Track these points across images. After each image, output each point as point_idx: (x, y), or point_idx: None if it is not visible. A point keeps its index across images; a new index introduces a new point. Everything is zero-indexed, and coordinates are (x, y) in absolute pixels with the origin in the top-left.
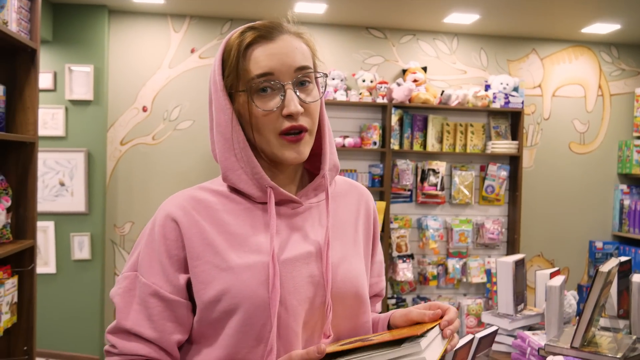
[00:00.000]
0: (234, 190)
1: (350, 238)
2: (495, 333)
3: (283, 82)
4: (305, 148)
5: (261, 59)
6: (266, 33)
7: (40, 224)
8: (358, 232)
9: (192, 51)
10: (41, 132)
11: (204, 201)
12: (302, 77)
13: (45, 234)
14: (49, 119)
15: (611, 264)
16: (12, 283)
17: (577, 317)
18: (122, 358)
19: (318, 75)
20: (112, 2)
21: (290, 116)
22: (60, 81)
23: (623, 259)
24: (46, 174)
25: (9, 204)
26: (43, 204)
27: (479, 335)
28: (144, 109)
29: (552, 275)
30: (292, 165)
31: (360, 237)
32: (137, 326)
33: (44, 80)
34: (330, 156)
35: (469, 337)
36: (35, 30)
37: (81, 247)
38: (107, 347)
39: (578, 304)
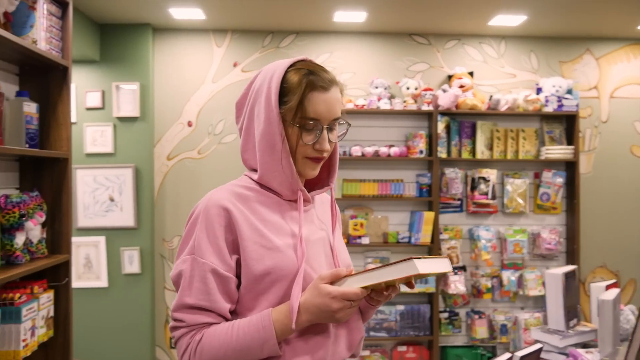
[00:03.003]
0: (263, 187)
1: (338, 231)
2: (539, 351)
3: (323, 125)
4: (319, 168)
5: (317, 104)
6: (325, 84)
7: (91, 238)
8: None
9: (235, 65)
10: (91, 149)
11: (242, 195)
12: (334, 124)
13: (96, 249)
14: (98, 136)
15: None
16: (47, 297)
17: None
18: (190, 328)
19: (342, 122)
20: (156, 20)
21: (320, 150)
22: (108, 99)
23: None
24: (97, 189)
25: (42, 219)
26: (94, 219)
27: (519, 353)
28: (189, 124)
29: (609, 287)
30: None
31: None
32: (199, 301)
33: (93, 98)
34: (335, 170)
35: (506, 356)
36: (67, 48)
37: (131, 261)
38: (173, 324)
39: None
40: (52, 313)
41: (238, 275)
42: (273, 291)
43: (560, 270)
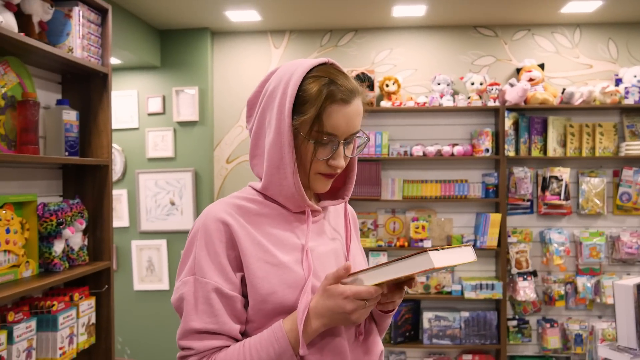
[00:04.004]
0: (268, 198)
1: (354, 239)
2: None
3: (339, 140)
4: (330, 183)
5: (337, 119)
6: (347, 97)
7: (153, 242)
8: (356, 236)
9: None
10: (152, 153)
11: (243, 207)
12: (352, 138)
13: (158, 252)
14: (159, 141)
15: None
16: (88, 304)
17: None
18: (200, 356)
19: (360, 136)
20: (214, 24)
21: (334, 166)
22: (169, 104)
23: None
24: (158, 193)
25: (83, 226)
26: (156, 222)
27: None
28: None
29: None
30: None
31: (356, 239)
32: (206, 324)
33: (154, 104)
34: (352, 185)
35: None
36: (106, 55)
37: None
38: (181, 353)
39: None
40: (93, 320)
41: (245, 295)
42: (283, 310)
43: (631, 280)
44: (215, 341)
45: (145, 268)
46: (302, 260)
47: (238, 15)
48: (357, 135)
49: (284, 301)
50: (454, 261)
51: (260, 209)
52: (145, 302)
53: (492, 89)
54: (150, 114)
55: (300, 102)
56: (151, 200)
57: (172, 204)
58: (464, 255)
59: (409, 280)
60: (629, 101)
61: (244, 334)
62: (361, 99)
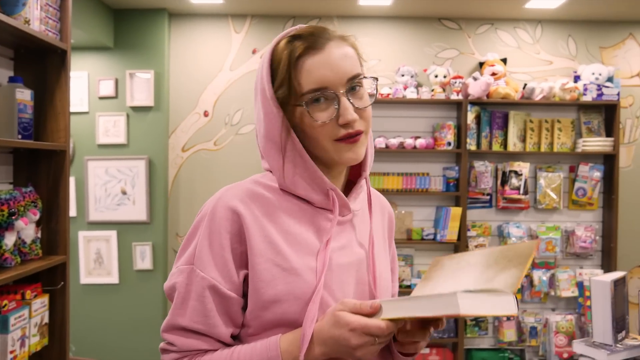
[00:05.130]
0: (285, 192)
1: (382, 246)
2: None
3: (337, 91)
4: (361, 149)
5: (313, 71)
6: (314, 42)
7: (102, 233)
8: (385, 239)
9: (254, 52)
10: (103, 140)
11: (261, 196)
12: (355, 85)
13: (108, 244)
14: (111, 127)
15: None
16: (41, 303)
17: None
18: (181, 354)
19: (368, 80)
20: (172, 4)
21: (347, 124)
22: (122, 88)
23: None
24: (108, 182)
25: (36, 217)
26: (105, 212)
27: None
28: (205, 114)
29: None
30: (343, 168)
31: (386, 243)
32: (194, 323)
33: (106, 87)
34: (371, 160)
35: None
36: (65, 29)
37: (143, 257)
38: (163, 345)
39: None
40: (46, 319)
41: (246, 295)
42: (284, 322)
43: (608, 277)
44: (201, 342)
45: (93, 260)
46: (317, 268)
47: None
48: (359, 79)
49: (286, 313)
50: (487, 310)
51: (281, 201)
52: (92, 296)
53: (455, 82)
54: (101, 98)
55: (274, 74)
56: (101, 189)
57: (124, 193)
58: (502, 304)
59: (435, 321)
60: (587, 98)
61: (237, 338)
62: (342, 42)
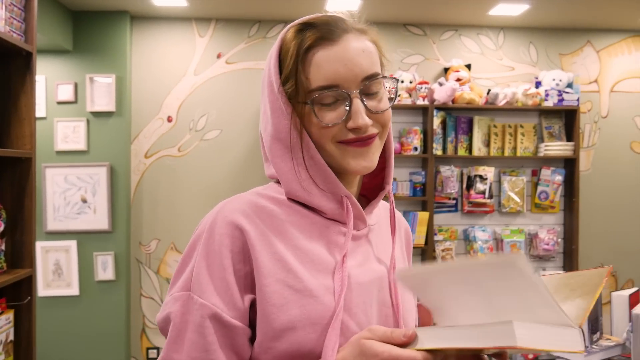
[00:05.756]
0: (296, 202)
1: (402, 262)
2: None
3: (349, 91)
4: (375, 155)
5: (324, 65)
6: (327, 33)
7: (61, 243)
8: (405, 259)
9: (219, 56)
10: (62, 146)
11: (266, 209)
12: (370, 86)
13: (67, 254)
14: (70, 133)
15: None
16: (6, 319)
17: None
18: None
19: (387, 82)
20: (134, 7)
21: (357, 129)
22: (81, 92)
23: None
24: (68, 190)
25: (1, 228)
26: (65, 222)
27: None
28: (169, 119)
29: (632, 297)
30: (354, 178)
31: (406, 262)
32: (192, 359)
33: (64, 92)
34: (392, 170)
35: None
36: (31, 31)
37: (105, 267)
38: None
39: None
40: (12, 337)
41: (253, 323)
42: (300, 353)
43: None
44: None
45: (52, 272)
46: (334, 287)
47: (162, 0)
48: (376, 79)
49: (303, 342)
50: (549, 345)
51: (289, 214)
52: (51, 309)
53: (421, 88)
54: (59, 103)
55: (282, 65)
56: (60, 198)
57: (84, 201)
58: (565, 338)
59: (499, 355)
60: (548, 103)
61: None
62: (362, 35)
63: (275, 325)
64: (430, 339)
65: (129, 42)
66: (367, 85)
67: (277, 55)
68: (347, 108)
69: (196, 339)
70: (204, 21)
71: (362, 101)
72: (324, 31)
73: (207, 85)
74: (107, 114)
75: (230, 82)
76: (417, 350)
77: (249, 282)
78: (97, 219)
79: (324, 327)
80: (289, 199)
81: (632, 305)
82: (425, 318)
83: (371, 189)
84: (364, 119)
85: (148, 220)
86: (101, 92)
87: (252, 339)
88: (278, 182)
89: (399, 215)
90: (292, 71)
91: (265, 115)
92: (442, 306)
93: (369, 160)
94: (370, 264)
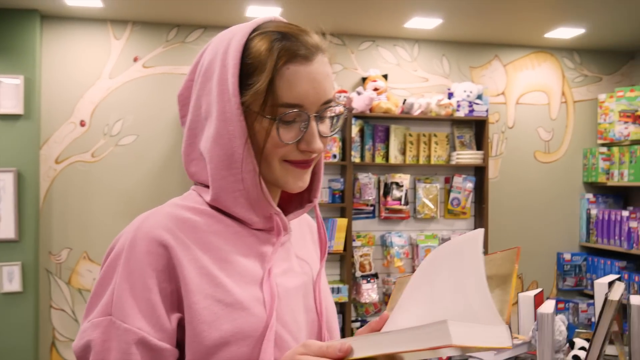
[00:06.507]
0: (219, 210)
1: (321, 270)
2: None
3: (309, 113)
4: (308, 176)
5: (296, 84)
6: (305, 50)
7: None
8: (318, 261)
9: (135, 60)
10: None
11: (188, 221)
12: (325, 110)
13: None
14: None
15: (619, 289)
16: None
17: (568, 345)
18: None
19: (339, 109)
20: (45, 6)
21: (308, 151)
22: None
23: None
24: None
25: None
26: None
27: None
28: (82, 124)
29: (537, 297)
30: (279, 190)
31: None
32: None
33: None
34: (320, 185)
35: None
36: None
37: (11, 278)
38: None
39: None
40: None
41: (180, 342)
42: None
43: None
44: None
45: None
46: (264, 298)
47: None
48: (331, 105)
49: (236, 357)
50: (481, 342)
51: (212, 225)
52: None
53: (340, 96)
54: None
55: (247, 71)
56: None
57: None
58: (495, 336)
59: None
60: (460, 114)
61: None
62: (327, 58)
63: (207, 342)
64: (364, 347)
65: (39, 42)
66: (323, 109)
67: (239, 58)
68: (304, 129)
69: None
70: (120, 23)
71: (317, 124)
72: (301, 47)
73: (123, 89)
74: (15, 117)
75: (147, 87)
76: None
77: (174, 301)
78: (3, 227)
79: (257, 340)
80: (211, 206)
81: (537, 305)
82: None
83: (286, 196)
84: (318, 144)
85: (59, 228)
86: (8, 93)
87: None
88: (197, 184)
89: (309, 218)
90: (263, 84)
91: (205, 114)
92: (392, 313)
93: (305, 181)
94: (294, 271)
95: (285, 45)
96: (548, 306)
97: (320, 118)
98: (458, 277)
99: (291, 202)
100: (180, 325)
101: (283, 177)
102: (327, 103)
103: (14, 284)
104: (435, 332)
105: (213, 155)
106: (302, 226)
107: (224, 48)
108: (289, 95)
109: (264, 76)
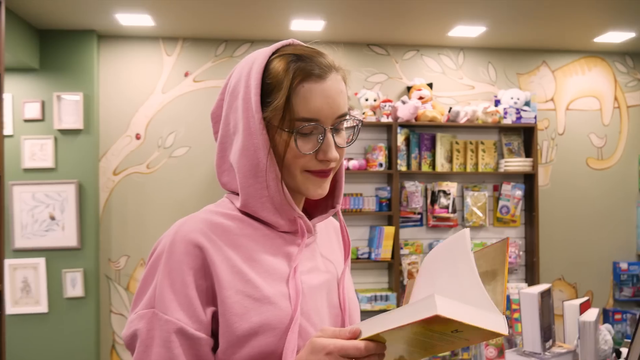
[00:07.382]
0: (249, 215)
1: (346, 270)
2: None
3: (325, 126)
4: (327, 184)
5: (311, 100)
6: (318, 70)
7: (30, 260)
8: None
9: (186, 75)
10: (29, 164)
11: (221, 225)
12: (340, 123)
13: (35, 271)
14: (38, 150)
15: None
16: None
17: (614, 355)
18: None
19: (353, 122)
20: (101, 26)
21: (325, 161)
22: (49, 110)
23: None
24: (35, 207)
25: None
26: (33, 239)
27: None
28: (137, 137)
29: (582, 306)
30: (303, 197)
31: (345, 265)
32: None
33: (31, 109)
34: (342, 191)
35: None
36: None
37: (74, 284)
38: None
39: (614, 338)
40: None
41: (215, 333)
42: (262, 357)
43: (536, 289)
44: None
45: (20, 289)
46: (290, 294)
47: (129, 19)
48: (346, 118)
49: (264, 346)
50: (474, 320)
51: (243, 229)
52: (19, 327)
53: (385, 106)
54: (26, 120)
55: (267, 90)
56: (27, 215)
57: (52, 218)
58: (490, 319)
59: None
60: (507, 121)
61: None
62: (340, 76)
63: (238, 332)
64: (369, 329)
65: (97, 60)
66: (339, 123)
67: (260, 79)
68: (320, 141)
69: (163, 352)
70: (171, 40)
71: (333, 136)
72: (315, 67)
73: (175, 103)
74: (75, 132)
75: (197, 100)
76: (360, 340)
77: (210, 296)
78: (66, 235)
79: (283, 331)
80: (242, 212)
81: (582, 313)
82: None
83: (313, 202)
84: (334, 153)
85: (117, 236)
86: (69, 109)
87: (215, 348)
88: (230, 192)
89: (331, 220)
90: (282, 100)
91: (234, 129)
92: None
93: (324, 188)
94: (319, 270)
95: (300, 66)
96: (590, 314)
97: (336, 130)
98: (453, 274)
99: (317, 208)
100: (215, 318)
101: (304, 185)
102: (342, 117)
103: (76, 290)
104: (423, 305)
105: (241, 166)
106: (329, 229)
107: (247, 70)
108: (305, 110)
109: (282, 94)
